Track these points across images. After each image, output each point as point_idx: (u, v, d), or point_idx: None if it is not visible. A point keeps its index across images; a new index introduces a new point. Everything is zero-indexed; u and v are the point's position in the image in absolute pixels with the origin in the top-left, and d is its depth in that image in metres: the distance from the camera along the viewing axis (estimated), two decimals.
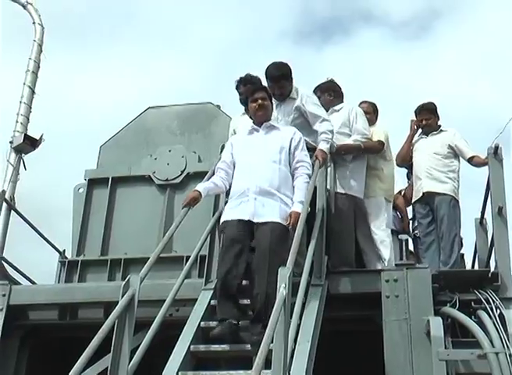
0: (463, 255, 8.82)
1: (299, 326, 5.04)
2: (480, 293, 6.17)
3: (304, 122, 6.54)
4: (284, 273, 4.22)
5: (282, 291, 4.10)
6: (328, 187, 6.49)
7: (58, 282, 8.32)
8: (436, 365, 5.50)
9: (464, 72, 30.29)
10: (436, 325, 5.64)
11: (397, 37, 36.92)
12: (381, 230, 7.17)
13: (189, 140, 8.89)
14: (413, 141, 7.99)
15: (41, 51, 11.03)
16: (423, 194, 7.63)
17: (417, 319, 5.89)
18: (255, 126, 6.05)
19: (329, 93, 7.45)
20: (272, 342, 3.92)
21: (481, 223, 7.94)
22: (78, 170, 9.14)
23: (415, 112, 8.04)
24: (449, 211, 7.47)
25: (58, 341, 7.38)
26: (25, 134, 10.20)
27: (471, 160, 7.65)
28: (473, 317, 5.98)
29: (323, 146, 6.30)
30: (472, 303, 6.15)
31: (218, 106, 9.16)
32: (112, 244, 8.44)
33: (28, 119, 10.58)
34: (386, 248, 7.08)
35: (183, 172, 8.55)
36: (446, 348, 5.65)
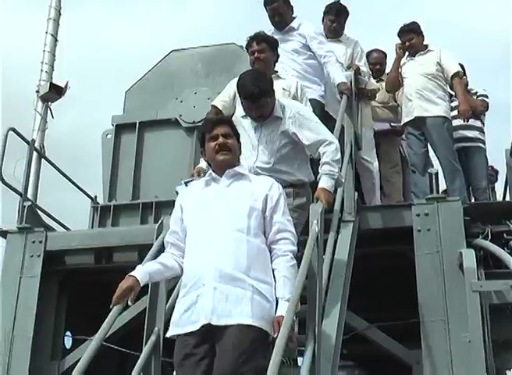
0: (493, 186, 8.82)
1: (332, 262, 5.07)
2: None
3: (295, 150, 4.99)
4: (316, 209, 4.23)
5: (314, 227, 4.12)
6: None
7: (92, 227, 8.42)
8: (470, 296, 5.53)
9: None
10: (469, 257, 5.65)
11: None
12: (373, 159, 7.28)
13: (214, 81, 8.83)
14: (401, 64, 7.75)
15: None
16: (414, 117, 7.40)
17: (449, 251, 5.92)
18: (214, 175, 4.14)
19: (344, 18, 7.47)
20: (306, 278, 3.97)
21: (511, 153, 7.88)
22: (106, 115, 9.18)
23: (398, 35, 7.78)
24: (443, 135, 7.27)
25: (95, 285, 7.51)
26: (50, 83, 10.23)
27: (452, 79, 7.40)
28: (505, 248, 6.00)
29: (327, 184, 4.76)
30: (504, 234, 6.17)
31: (242, 47, 9.05)
32: (142, 188, 8.50)
33: (53, 68, 10.58)
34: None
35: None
36: (479, 279, 5.68)
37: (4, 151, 7.38)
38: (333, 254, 5.09)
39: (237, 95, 5.23)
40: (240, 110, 5.25)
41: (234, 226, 3.86)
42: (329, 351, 4.51)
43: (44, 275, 7.08)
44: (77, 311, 7.44)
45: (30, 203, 7.54)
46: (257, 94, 4.84)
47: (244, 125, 5.05)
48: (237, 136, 4.27)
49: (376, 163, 7.36)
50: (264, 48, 5.87)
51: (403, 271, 6.22)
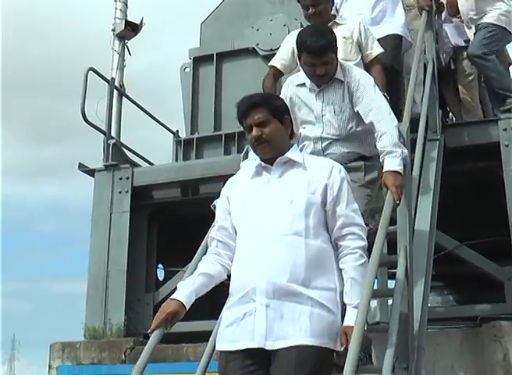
0: None
1: (419, 182, 5.02)
2: None
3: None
4: (402, 129, 4.17)
5: None
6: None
7: (176, 161, 8.52)
8: None
9: None
10: None
11: None
12: None
13: (289, 7, 8.70)
14: None
15: None
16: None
17: None
18: (264, 164, 3.47)
19: None
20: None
21: None
22: (183, 48, 9.19)
23: None
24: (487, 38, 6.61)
25: (183, 217, 7.65)
26: (126, 20, 10.26)
27: None
28: None
29: (394, 166, 3.92)
30: None
31: None
32: (224, 119, 8.53)
33: (127, 5, 10.60)
34: None
35: None
36: None
37: (85, 92, 7.49)
38: (420, 173, 5.02)
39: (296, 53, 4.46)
40: (294, 80, 4.51)
41: (290, 229, 3.26)
42: (421, 271, 4.51)
43: (133, 210, 7.25)
44: (167, 244, 7.60)
45: (114, 141, 7.67)
46: (323, 46, 4.14)
47: (301, 95, 4.41)
48: (282, 113, 3.51)
49: None
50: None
51: (492, 188, 6.13)
